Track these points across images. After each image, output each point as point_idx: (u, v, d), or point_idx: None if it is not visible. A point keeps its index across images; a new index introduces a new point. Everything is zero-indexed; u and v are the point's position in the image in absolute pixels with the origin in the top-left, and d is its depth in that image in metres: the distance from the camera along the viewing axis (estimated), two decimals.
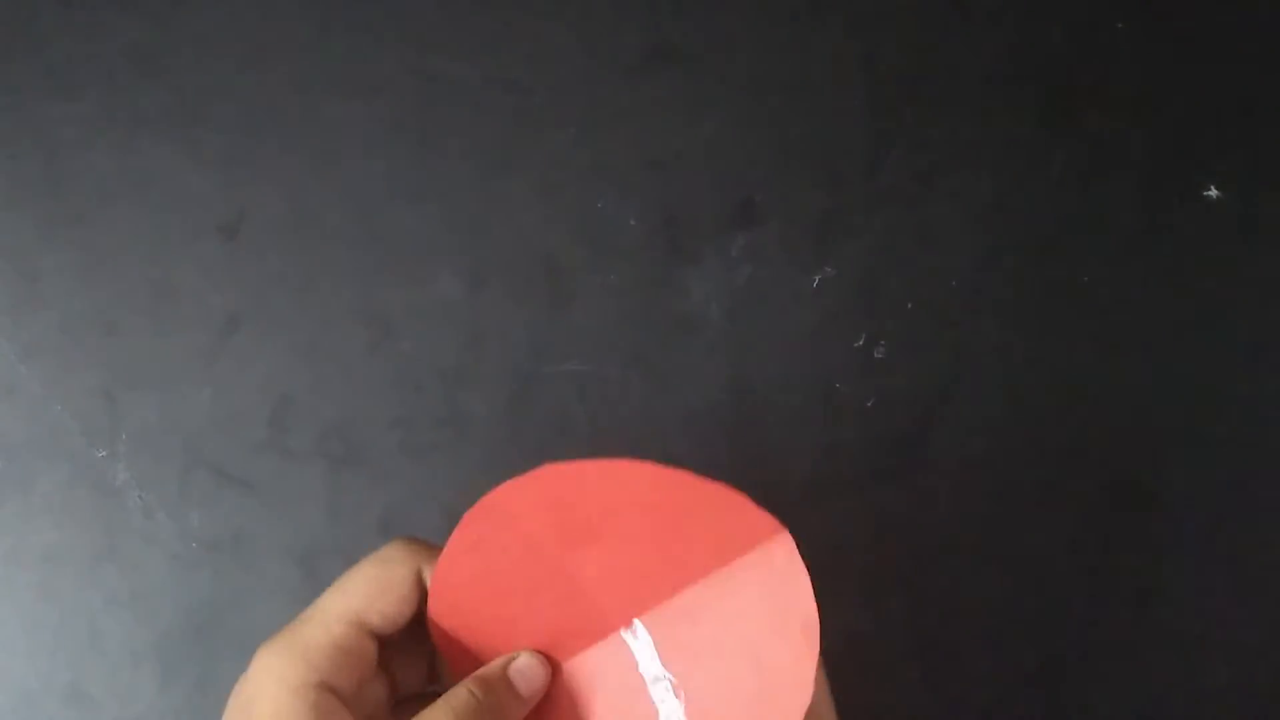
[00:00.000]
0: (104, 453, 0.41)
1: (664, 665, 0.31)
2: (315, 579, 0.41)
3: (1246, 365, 0.43)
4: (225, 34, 0.44)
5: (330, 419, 0.42)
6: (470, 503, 0.32)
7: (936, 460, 0.42)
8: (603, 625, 0.31)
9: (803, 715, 0.30)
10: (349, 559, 0.30)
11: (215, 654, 0.40)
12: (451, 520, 0.30)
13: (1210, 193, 0.44)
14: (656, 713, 0.30)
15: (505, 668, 0.32)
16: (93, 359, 0.41)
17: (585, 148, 0.43)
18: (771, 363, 0.42)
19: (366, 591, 0.31)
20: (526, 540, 0.30)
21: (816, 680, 0.30)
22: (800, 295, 0.43)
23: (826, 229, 0.43)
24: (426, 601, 0.31)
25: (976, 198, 0.44)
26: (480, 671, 0.31)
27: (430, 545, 0.32)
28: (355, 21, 0.44)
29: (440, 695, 0.30)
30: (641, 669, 0.31)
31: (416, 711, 0.29)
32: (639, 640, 0.31)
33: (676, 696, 0.30)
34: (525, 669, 0.32)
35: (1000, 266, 0.43)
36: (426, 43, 0.44)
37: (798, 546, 0.30)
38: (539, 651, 0.32)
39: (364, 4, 0.44)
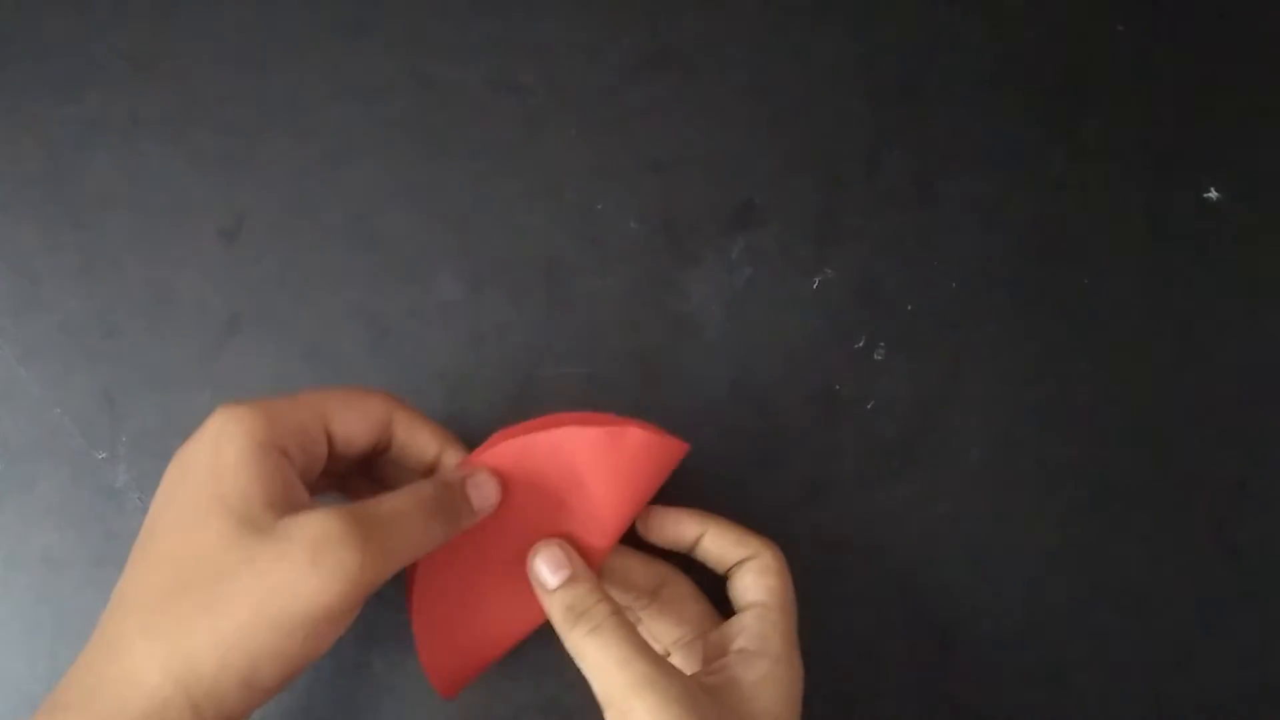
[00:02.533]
0: (104, 455, 0.41)
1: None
2: None
3: (1246, 365, 0.43)
4: (225, 36, 0.44)
5: None
6: None
7: (936, 461, 0.42)
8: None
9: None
10: None
11: None
12: None
13: (1210, 193, 0.44)
14: None
15: (465, 478, 0.34)
16: (93, 361, 0.41)
17: (585, 149, 0.43)
18: (771, 364, 0.42)
19: (340, 398, 0.33)
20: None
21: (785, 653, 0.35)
22: (800, 297, 0.43)
23: (826, 230, 0.43)
24: (385, 446, 0.35)
25: (976, 198, 0.44)
26: (443, 475, 0.34)
27: (406, 403, 0.35)
28: (355, 23, 0.44)
29: None
30: None
31: None
32: None
33: None
34: (482, 483, 0.34)
35: (1000, 268, 0.43)
36: (426, 44, 0.44)
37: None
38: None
39: (364, 6, 0.44)
